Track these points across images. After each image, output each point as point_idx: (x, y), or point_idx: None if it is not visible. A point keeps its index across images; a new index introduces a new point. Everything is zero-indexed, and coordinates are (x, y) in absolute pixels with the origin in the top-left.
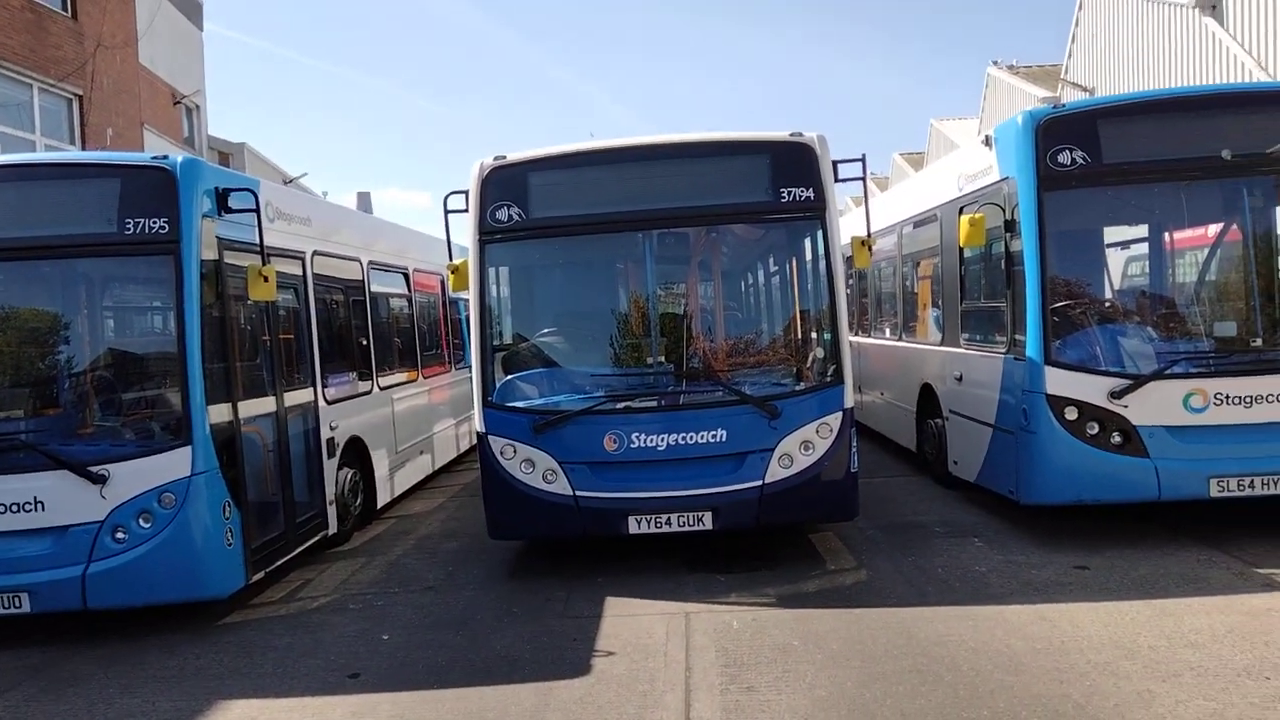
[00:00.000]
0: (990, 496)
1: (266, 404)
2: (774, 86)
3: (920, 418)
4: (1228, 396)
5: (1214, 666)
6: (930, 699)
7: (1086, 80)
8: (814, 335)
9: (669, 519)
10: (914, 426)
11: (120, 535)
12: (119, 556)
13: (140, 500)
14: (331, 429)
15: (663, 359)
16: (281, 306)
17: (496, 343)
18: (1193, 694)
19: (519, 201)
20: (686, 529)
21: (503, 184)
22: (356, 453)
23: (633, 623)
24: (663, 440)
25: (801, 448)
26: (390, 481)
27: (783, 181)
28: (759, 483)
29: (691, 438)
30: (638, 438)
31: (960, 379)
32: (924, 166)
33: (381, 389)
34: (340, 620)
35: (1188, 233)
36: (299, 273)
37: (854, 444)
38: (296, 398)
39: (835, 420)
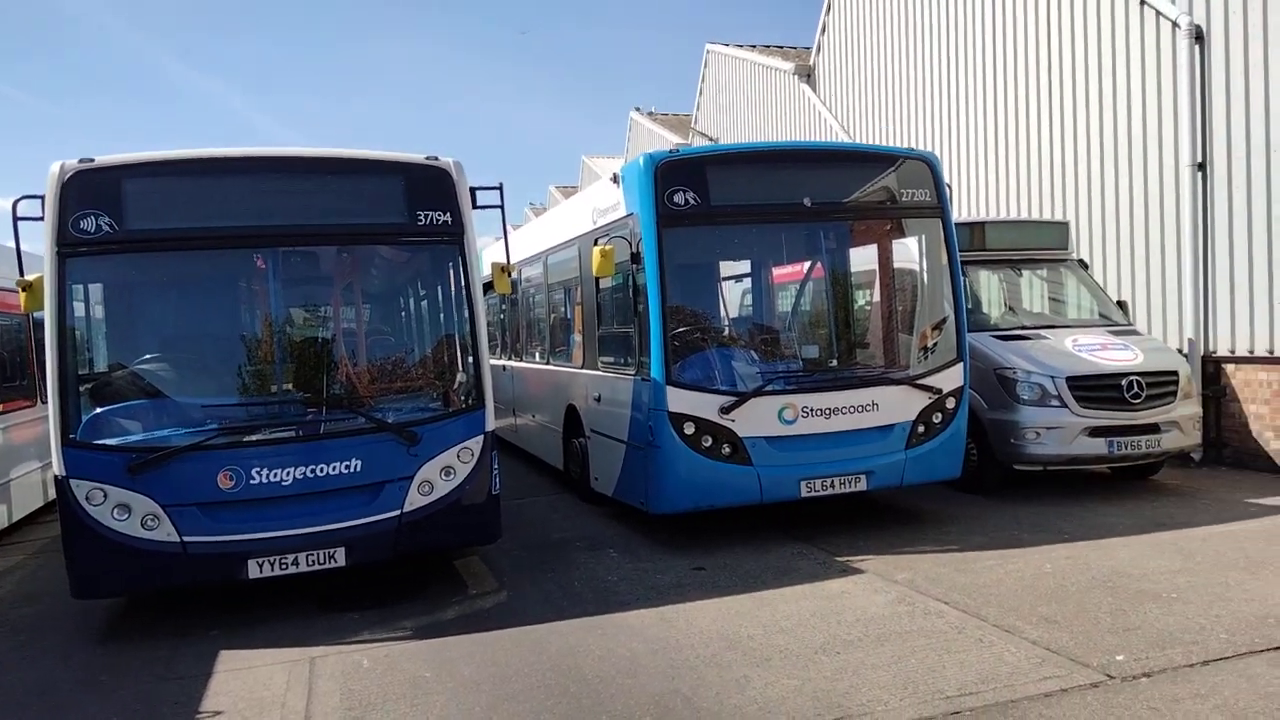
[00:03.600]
0: (626, 509)
1: None
2: (443, 116)
3: (567, 438)
4: (812, 409)
5: (798, 648)
6: (555, 711)
7: (712, 130)
8: (454, 360)
9: (296, 559)
10: (561, 446)
11: None
12: None
13: None
14: None
15: (288, 387)
16: None
17: (83, 371)
18: (780, 675)
19: (110, 211)
20: (316, 568)
21: (89, 190)
22: None
23: (248, 675)
24: (288, 474)
25: (442, 473)
26: None
27: (419, 205)
28: (397, 512)
29: (322, 470)
30: (259, 473)
31: (599, 399)
32: None
33: None
34: None
35: (786, 269)
36: None
37: (495, 467)
38: None
39: (476, 444)
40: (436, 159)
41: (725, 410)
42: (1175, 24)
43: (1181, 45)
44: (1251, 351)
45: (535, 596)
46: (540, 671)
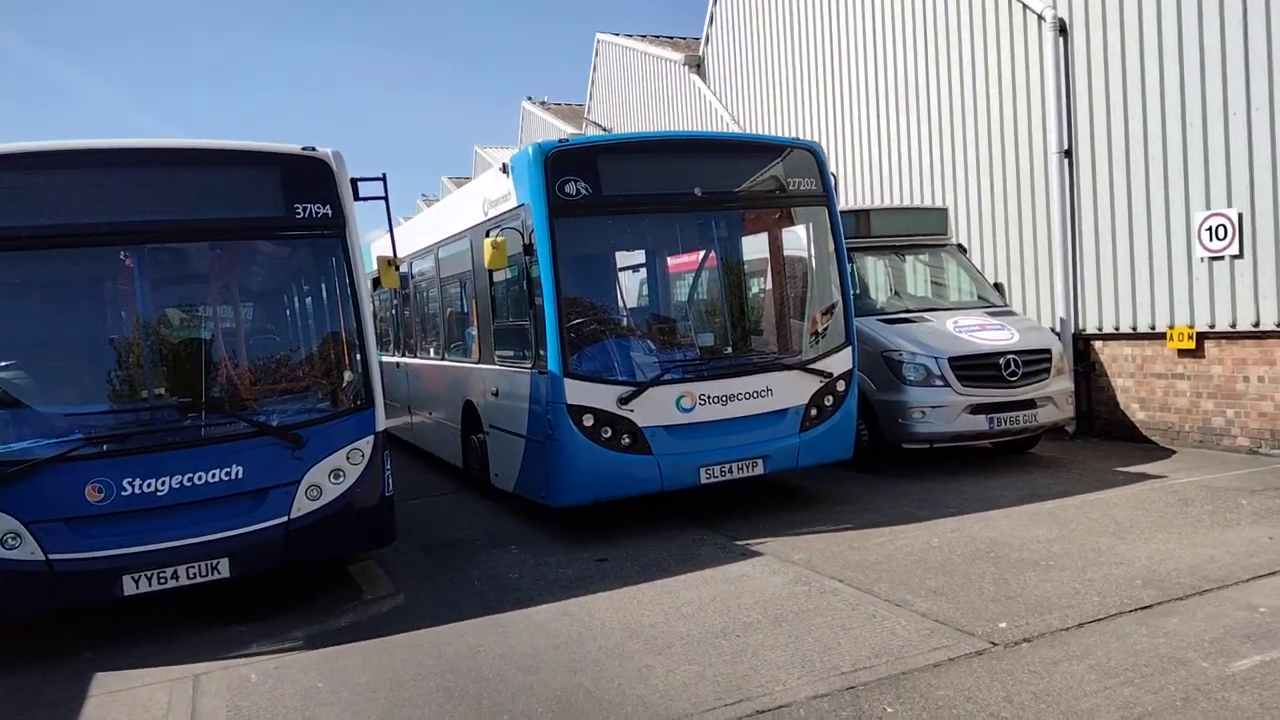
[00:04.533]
0: (528, 504)
1: None
2: (329, 107)
3: (465, 434)
4: (709, 396)
5: (699, 634)
6: (455, 715)
7: (605, 120)
8: (340, 358)
9: (175, 572)
10: (459, 443)
11: None
12: None
13: None
14: None
15: (161, 391)
16: None
17: None
18: (681, 661)
19: None
20: (199, 580)
21: None
22: None
23: (126, 698)
24: (163, 483)
25: (331, 476)
26: None
27: (296, 197)
28: (284, 519)
29: (200, 477)
30: (131, 483)
31: (497, 394)
32: None
33: None
34: None
35: (680, 258)
36: None
37: (388, 467)
38: None
39: (367, 445)
40: (314, 149)
41: (624, 400)
42: (1041, 17)
43: (1047, 37)
44: (1117, 328)
45: (433, 598)
46: (439, 674)
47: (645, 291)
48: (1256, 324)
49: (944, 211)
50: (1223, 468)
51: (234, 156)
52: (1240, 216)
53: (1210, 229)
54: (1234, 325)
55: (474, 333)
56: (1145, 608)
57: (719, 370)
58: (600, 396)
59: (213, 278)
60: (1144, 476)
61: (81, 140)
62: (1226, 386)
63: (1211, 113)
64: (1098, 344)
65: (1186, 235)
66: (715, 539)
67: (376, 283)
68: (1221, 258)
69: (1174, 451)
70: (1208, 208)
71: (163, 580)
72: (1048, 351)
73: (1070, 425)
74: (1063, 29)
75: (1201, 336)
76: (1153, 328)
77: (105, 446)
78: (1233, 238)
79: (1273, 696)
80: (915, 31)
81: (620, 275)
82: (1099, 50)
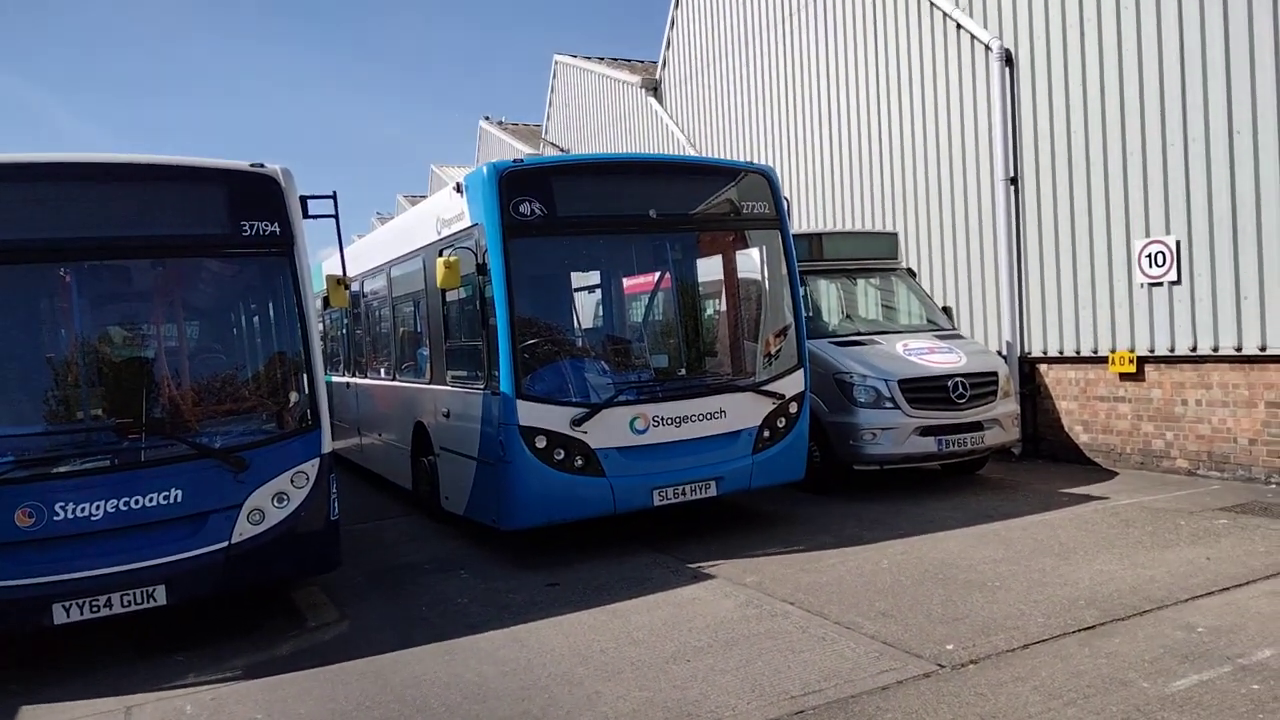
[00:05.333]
0: (479, 528)
1: None
2: (285, 122)
3: (415, 456)
4: (663, 418)
5: (649, 658)
6: None
7: (563, 141)
8: (286, 379)
9: (109, 600)
10: (410, 465)
11: None
12: None
13: None
14: None
15: (97, 412)
16: None
17: None
18: (631, 688)
19: None
20: (134, 608)
21: None
22: None
23: None
24: (98, 508)
25: (275, 500)
26: None
27: (243, 215)
28: (224, 544)
29: (138, 501)
30: (65, 508)
31: (448, 415)
32: None
33: None
34: None
35: (634, 279)
36: None
37: (334, 490)
38: None
39: (312, 468)
40: (263, 166)
41: (577, 422)
42: (988, 47)
43: (993, 67)
44: (1061, 352)
45: (379, 625)
46: (384, 704)
47: (599, 313)
48: (1194, 348)
49: (894, 236)
50: (1162, 489)
51: (179, 172)
52: (1178, 244)
53: (1150, 256)
54: (1172, 350)
55: (426, 353)
56: (1088, 628)
57: (672, 392)
58: (553, 418)
59: (155, 296)
60: (1087, 498)
61: (18, 154)
62: (1166, 409)
63: (1150, 144)
64: (1043, 367)
65: (1127, 261)
66: (667, 562)
67: (326, 302)
68: (1161, 284)
69: (1116, 473)
70: (1147, 235)
71: (95, 608)
72: (994, 374)
73: (1016, 447)
74: (1009, 59)
75: (1142, 360)
76: (1095, 351)
77: (38, 470)
78: (1171, 264)
79: (1209, 716)
80: (866, 59)
81: (574, 296)
82: (1043, 81)
